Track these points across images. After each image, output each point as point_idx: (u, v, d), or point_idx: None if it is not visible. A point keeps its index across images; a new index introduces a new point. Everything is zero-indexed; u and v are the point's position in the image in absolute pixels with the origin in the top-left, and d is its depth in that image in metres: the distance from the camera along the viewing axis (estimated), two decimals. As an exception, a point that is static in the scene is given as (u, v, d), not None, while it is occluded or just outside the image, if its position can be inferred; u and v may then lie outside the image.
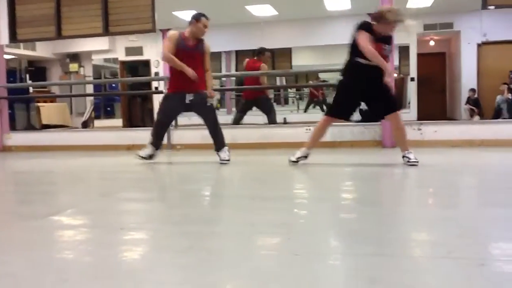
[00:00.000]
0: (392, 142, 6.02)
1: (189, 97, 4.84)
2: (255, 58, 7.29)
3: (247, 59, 7.57)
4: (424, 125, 6.16)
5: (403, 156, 4.44)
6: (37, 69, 12.68)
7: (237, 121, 7.16)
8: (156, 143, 5.07)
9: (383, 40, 4.22)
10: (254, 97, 7.16)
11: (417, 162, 4.32)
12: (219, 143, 5.03)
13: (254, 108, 7.25)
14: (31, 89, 11.78)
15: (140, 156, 5.02)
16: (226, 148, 5.03)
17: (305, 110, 12.37)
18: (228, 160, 4.96)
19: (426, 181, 3.90)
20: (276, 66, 11.93)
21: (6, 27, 7.51)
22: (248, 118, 7.33)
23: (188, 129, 7.18)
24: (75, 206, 3.20)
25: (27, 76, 11.89)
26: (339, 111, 4.49)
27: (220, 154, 5.01)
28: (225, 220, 2.63)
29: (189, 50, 4.83)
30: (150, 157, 5.03)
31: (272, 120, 7.02)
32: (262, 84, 7.21)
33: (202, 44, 4.91)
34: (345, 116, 4.54)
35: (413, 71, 11.35)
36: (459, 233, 2.16)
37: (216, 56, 12.28)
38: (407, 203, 3.15)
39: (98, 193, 3.86)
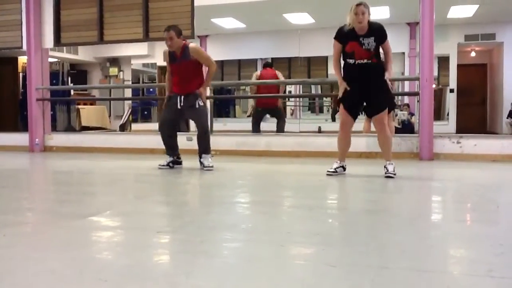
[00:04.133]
0: (430, 155, 5.92)
1: (180, 100, 5.05)
2: (268, 68, 7.75)
3: (258, 72, 7.95)
4: (463, 138, 6.01)
5: (384, 166, 4.47)
6: (79, 72, 13.05)
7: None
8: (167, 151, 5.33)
9: (366, 36, 4.33)
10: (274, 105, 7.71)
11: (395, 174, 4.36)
12: (202, 149, 5.15)
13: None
14: (72, 92, 12.15)
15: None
16: (209, 155, 5.16)
17: (333, 119, 12.25)
18: (212, 167, 5.05)
19: (464, 196, 3.80)
20: (312, 75, 11.91)
21: (51, 31, 7.78)
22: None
23: (223, 135, 7.25)
24: (113, 207, 3.27)
25: (69, 78, 12.23)
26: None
27: (203, 161, 5.11)
28: (260, 228, 2.64)
29: (177, 61, 5.03)
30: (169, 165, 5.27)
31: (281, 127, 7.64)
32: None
33: (186, 50, 4.99)
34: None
35: (452, 82, 11.10)
36: (500, 251, 2.10)
37: (252, 62, 12.36)
38: (445, 218, 3.09)
39: (134, 195, 3.94)
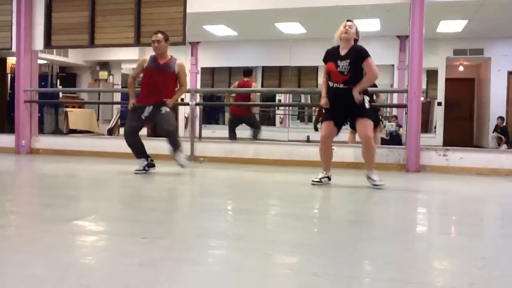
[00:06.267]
0: (416, 167, 5.96)
1: (147, 111, 5.11)
2: (246, 78, 7.68)
3: (236, 83, 7.92)
4: (450, 151, 6.07)
5: (368, 177, 4.44)
6: (68, 75, 12.98)
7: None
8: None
9: (343, 58, 4.31)
10: (246, 114, 7.65)
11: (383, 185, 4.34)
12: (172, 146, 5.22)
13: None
14: (60, 94, 12.06)
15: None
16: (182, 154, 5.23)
17: (316, 129, 12.29)
18: (184, 166, 5.19)
19: (449, 209, 3.83)
20: (302, 84, 11.97)
21: (42, 34, 7.72)
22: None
23: (212, 141, 7.24)
24: (98, 212, 3.25)
25: (58, 81, 12.15)
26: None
27: (176, 158, 5.21)
28: (245, 236, 2.63)
29: (159, 68, 5.13)
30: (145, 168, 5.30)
31: (255, 134, 7.61)
32: (253, 101, 7.81)
33: (172, 63, 5.17)
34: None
35: (440, 96, 11.24)
36: (483, 264, 2.12)
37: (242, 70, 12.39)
38: (429, 230, 3.11)
39: (120, 200, 3.91)
